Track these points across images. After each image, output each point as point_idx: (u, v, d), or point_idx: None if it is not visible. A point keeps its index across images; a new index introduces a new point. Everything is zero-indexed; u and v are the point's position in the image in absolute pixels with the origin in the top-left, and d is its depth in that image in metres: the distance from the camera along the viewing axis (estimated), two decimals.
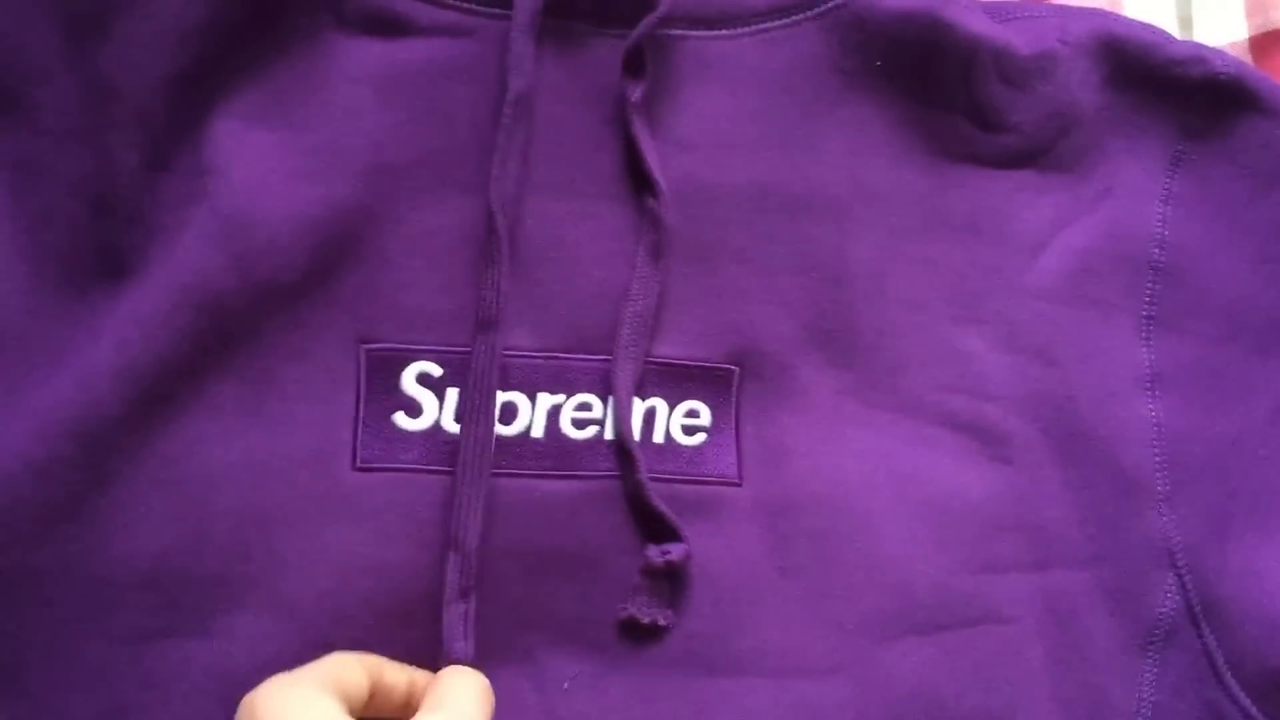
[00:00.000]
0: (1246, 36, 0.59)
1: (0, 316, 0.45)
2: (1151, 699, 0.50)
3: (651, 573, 0.47)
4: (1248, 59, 0.59)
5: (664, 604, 0.47)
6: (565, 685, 0.47)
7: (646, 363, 0.49)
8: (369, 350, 0.47)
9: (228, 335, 0.46)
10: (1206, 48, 0.53)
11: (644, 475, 0.47)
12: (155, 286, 0.45)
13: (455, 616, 0.45)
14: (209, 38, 0.46)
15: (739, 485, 0.49)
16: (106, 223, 0.45)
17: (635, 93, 0.49)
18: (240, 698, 0.44)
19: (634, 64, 0.49)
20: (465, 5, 0.49)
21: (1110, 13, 0.55)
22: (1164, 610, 0.50)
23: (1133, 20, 0.54)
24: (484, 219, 0.47)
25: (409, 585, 0.46)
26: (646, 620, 0.47)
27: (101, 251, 0.45)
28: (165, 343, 0.44)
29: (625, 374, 0.48)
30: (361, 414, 0.47)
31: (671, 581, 0.48)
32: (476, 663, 0.45)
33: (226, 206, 0.45)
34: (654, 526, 0.48)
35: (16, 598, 0.43)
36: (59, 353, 0.44)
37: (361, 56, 0.48)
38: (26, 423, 0.43)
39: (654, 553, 0.47)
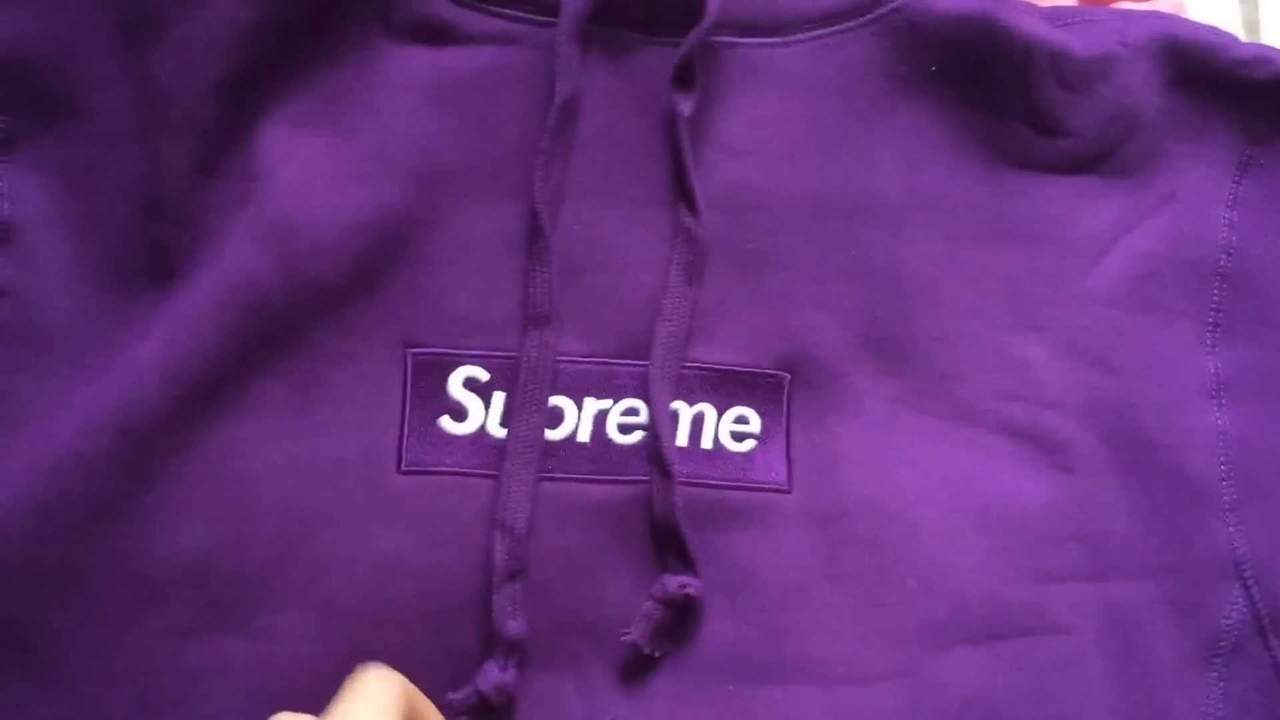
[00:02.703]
0: None
1: (53, 317, 0.44)
2: (1218, 713, 0.47)
3: (664, 601, 0.45)
4: None
5: (666, 636, 0.45)
6: (610, 716, 0.45)
7: (696, 368, 0.47)
8: (415, 355, 0.46)
9: (274, 337, 0.45)
10: (1272, 49, 0.50)
11: (677, 498, 0.45)
12: (202, 287, 0.44)
13: (505, 598, 0.44)
14: (259, 45, 0.45)
15: (788, 492, 0.47)
16: (157, 226, 0.45)
17: (686, 106, 0.47)
18: (281, 697, 0.43)
19: (683, 77, 0.47)
20: (513, 13, 0.47)
21: (1172, 15, 0.52)
22: (1230, 622, 0.48)
23: (1195, 23, 0.51)
24: (529, 221, 0.46)
25: (453, 588, 0.44)
26: (647, 650, 0.45)
27: (152, 254, 0.45)
28: (211, 343, 0.43)
29: (661, 393, 0.46)
30: (407, 418, 0.45)
31: (680, 614, 0.45)
32: (526, 646, 0.44)
33: (274, 210, 0.44)
34: (675, 552, 0.46)
35: (61, 592, 0.43)
36: (109, 352, 0.44)
37: (410, 63, 0.47)
38: (75, 419, 0.43)
39: (672, 584, 0.45)
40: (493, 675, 0.43)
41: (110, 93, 0.45)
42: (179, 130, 0.44)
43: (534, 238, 0.46)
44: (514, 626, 0.44)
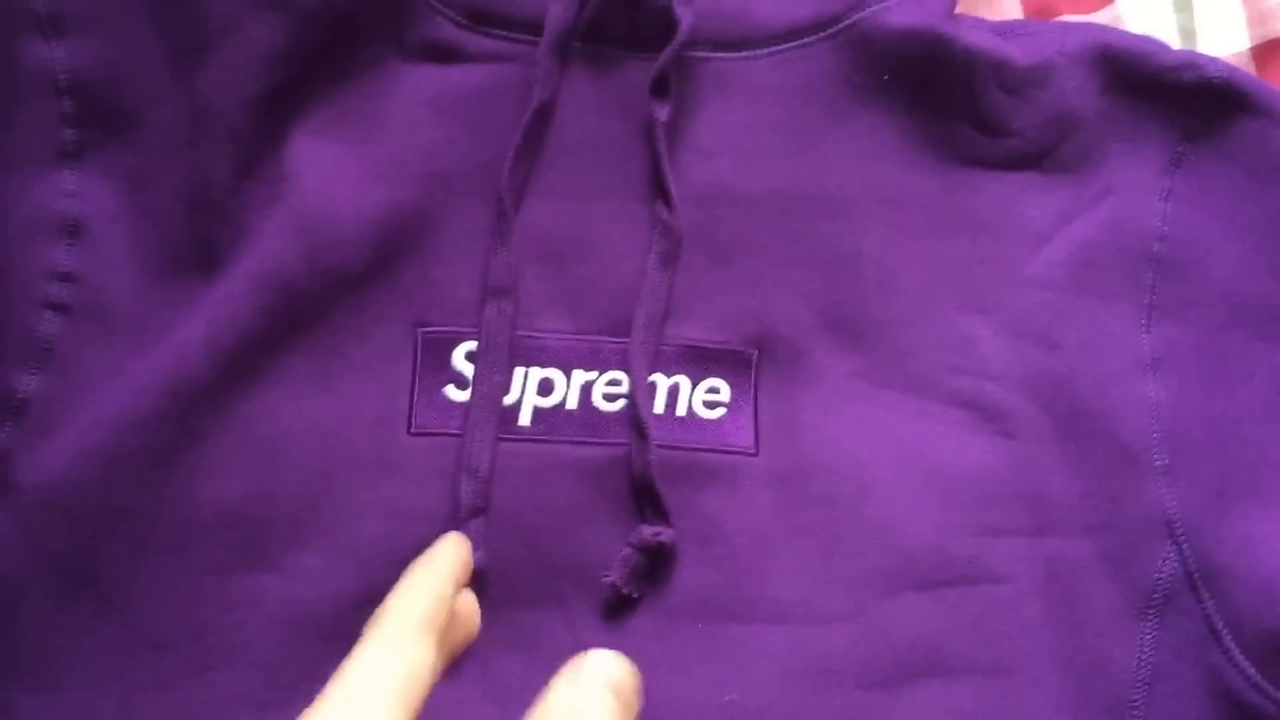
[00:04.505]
0: (1248, 46, 0.60)
1: (115, 299, 0.50)
2: (1151, 660, 0.50)
3: (640, 548, 0.50)
4: (1250, 68, 0.59)
5: (642, 579, 0.50)
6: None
7: (673, 344, 0.52)
8: (424, 333, 0.52)
9: (300, 317, 0.50)
10: (1199, 54, 0.54)
11: (653, 457, 0.50)
12: (239, 274, 0.49)
13: (469, 533, 0.49)
14: (289, 64, 0.50)
15: (755, 455, 0.52)
16: (202, 222, 0.50)
17: (663, 113, 0.52)
18: (306, 626, 0.48)
19: (661, 87, 0.52)
20: (510, 35, 0.53)
21: (1106, 26, 0.56)
22: (1162, 576, 0.51)
23: (1128, 32, 0.55)
24: (496, 206, 0.51)
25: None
26: (625, 591, 0.50)
27: (198, 247, 0.50)
28: (246, 321, 0.49)
29: (640, 366, 0.51)
30: (416, 386, 0.51)
31: (654, 560, 0.50)
32: (485, 575, 0.49)
33: (301, 207, 0.50)
34: (651, 505, 0.51)
35: (119, 530, 0.48)
36: (161, 329, 0.49)
37: (419, 79, 0.52)
38: (132, 385, 0.48)
39: (647, 532, 0.50)
40: None
41: (164, 108, 0.50)
42: (221, 140, 0.50)
43: (498, 220, 0.51)
44: (476, 558, 0.48)
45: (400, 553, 0.48)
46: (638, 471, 0.51)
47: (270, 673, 0.49)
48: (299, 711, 0.33)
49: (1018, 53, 0.54)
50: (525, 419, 0.51)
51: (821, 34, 0.54)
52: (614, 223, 0.53)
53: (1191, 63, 0.53)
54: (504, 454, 0.51)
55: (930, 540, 0.51)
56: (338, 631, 0.48)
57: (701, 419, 0.52)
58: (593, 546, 0.51)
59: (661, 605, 0.51)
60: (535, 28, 0.53)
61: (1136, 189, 0.54)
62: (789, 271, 0.53)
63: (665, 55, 0.52)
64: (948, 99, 0.54)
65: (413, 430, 0.51)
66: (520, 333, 0.52)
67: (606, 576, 0.50)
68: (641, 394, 0.51)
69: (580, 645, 0.48)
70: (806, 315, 0.53)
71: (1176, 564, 0.51)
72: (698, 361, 0.53)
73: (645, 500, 0.51)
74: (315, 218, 0.50)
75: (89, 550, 0.48)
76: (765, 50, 0.54)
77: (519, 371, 0.52)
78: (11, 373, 0.49)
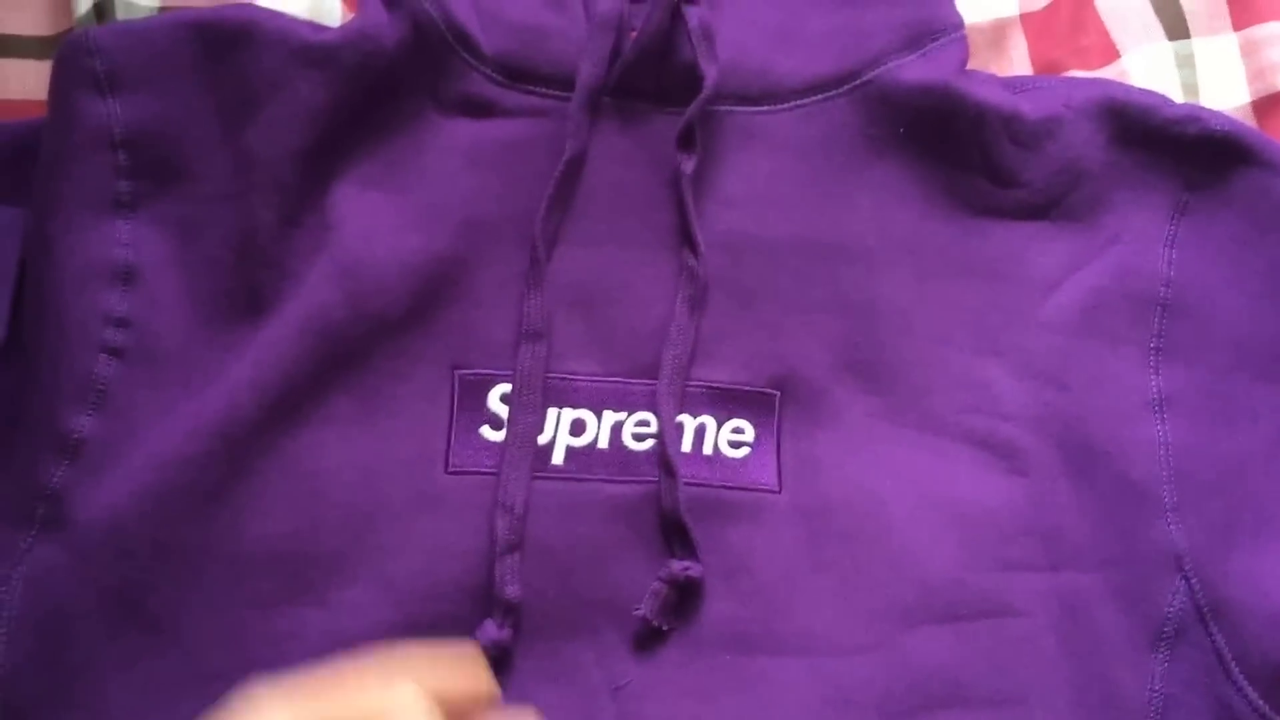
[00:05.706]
0: (1249, 100, 0.62)
1: (167, 342, 0.52)
2: (1163, 691, 0.52)
3: (670, 582, 0.52)
4: (1251, 122, 0.61)
5: (671, 612, 0.52)
6: (624, 681, 0.52)
7: (699, 386, 0.54)
8: (461, 375, 0.53)
9: (343, 359, 0.52)
10: (1201, 108, 0.57)
11: (681, 494, 0.52)
12: (285, 318, 0.51)
13: (505, 567, 0.51)
14: (333, 119, 0.53)
15: (778, 493, 0.54)
16: (250, 269, 0.52)
17: (688, 165, 0.54)
18: (347, 659, 0.50)
19: (687, 140, 0.55)
20: (542, 90, 0.55)
21: (1112, 81, 0.59)
22: (1172, 610, 0.52)
23: (1132, 86, 0.58)
24: (530, 254, 0.53)
25: (490, 568, 0.51)
26: (655, 623, 0.52)
27: (246, 292, 0.52)
28: (292, 363, 0.51)
29: (668, 407, 0.53)
30: (453, 427, 0.53)
31: (683, 593, 0.52)
32: (520, 608, 0.51)
33: (343, 254, 0.52)
34: (680, 541, 0.52)
35: (171, 565, 0.50)
36: (210, 371, 0.51)
37: (456, 133, 0.55)
38: (183, 425, 0.50)
39: (677, 566, 0.52)
40: (490, 632, 0.50)
41: (213, 161, 0.53)
42: (268, 190, 0.52)
43: (532, 267, 0.53)
44: (512, 591, 0.50)
45: (439, 587, 0.52)
46: (667, 508, 0.53)
47: None
48: None
49: (1027, 107, 0.56)
50: (558, 458, 0.53)
51: (840, 89, 0.56)
52: (642, 269, 0.55)
53: (1194, 116, 0.56)
54: (538, 492, 0.53)
55: (948, 574, 0.53)
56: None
57: (727, 458, 0.54)
58: (624, 580, 0.52)
59: (690, 637, 0.52)
60: (567, 84, 0.55)
61: (1143, 236, 0.56)
62: (810, 316, 0.55)
63: (692, 109, 0.54)
64: (960, 151, 0.56)
65: (450, 469, 0.53)
66: (553, 375, 0.54)
67: (637, 609, 0.52)
68: (669, 434, 0.53)
69: (612, 676, 0.52)
70: (826, 358, 0.55)
71: (1186, 598, 0.52)
72: (723, 402, 0.55)
73: (674, 536, 0.53)
74: (357, 264, 0.52)
75: (140, 584, 0.50)
76: (787, 104, 0.56)
77: (552, 412, 0.54)
78: (68, 414, 0.51)
